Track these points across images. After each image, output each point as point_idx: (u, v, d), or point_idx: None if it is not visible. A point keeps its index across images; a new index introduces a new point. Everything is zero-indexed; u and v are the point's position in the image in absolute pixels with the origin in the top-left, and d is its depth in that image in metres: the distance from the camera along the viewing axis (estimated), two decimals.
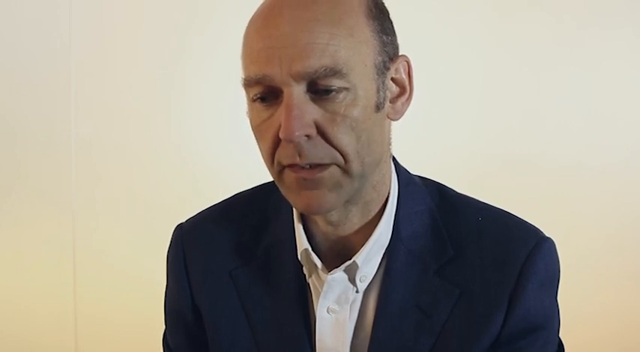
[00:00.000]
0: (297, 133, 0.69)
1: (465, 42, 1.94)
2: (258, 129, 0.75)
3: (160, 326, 0.95)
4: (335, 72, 0.69)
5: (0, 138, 2.01)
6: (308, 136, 0.70)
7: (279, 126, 0.70)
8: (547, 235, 0.82)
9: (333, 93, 0.70)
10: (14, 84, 2.00)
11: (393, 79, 0.77)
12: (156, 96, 2.00)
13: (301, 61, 0.69)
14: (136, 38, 2.00)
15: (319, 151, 0.71)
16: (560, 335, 0.85)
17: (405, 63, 0.78)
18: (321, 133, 0.71)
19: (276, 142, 0.72)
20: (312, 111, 0.70)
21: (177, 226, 0.93)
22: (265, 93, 0.72)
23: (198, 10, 1.98)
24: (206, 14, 1.97)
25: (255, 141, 0.76)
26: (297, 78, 0.69)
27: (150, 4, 2.00)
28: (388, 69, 0.75)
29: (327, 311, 0.81)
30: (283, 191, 0.77)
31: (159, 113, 2.00)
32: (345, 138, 0.71)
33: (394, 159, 0.85)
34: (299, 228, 0.82)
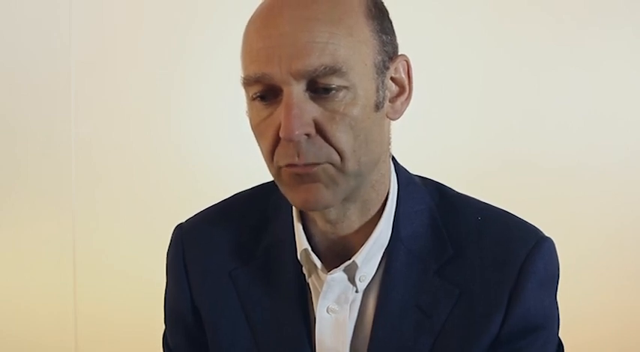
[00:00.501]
0: (297, 132, 0.69)
1: (465, 42, 1.94)
2: (257, 129, 0.75)
3: (160, 326, 0.95)
4: (334, 70, 0.69)
5: (0, 138, 2.01)
6: (308, 135, 0.71)
7: (279, 125, 0.70)
8: (547, 235, 0.82)
9: (333, 92, 0.70)
10: (14, 84, 2.00)
11: (392, 79, 0.77)
12: (156, 96, 2.00)
13: (301, 60, 0.69)
14: (136, 38, 2.00)
15: (317, 150, 0.71)
16: (560, 335, 0.85)
17: (405, 62, 0.78)
18: (320, 131, 0.71)
19: (276, 141, 0.72)
20: (311, 110, 0.70)
21: (177, 226, 0.93)
22: (265, 92, 0.72)
23: (198, 10, 1.98)
24: (206, 14, 1.97)
25: (255, 140, 0.77)
26: (297, 76, 0.69)
27: (150, 4, 2.00)
28: (388, 68, 0.76)
29: (327, 311, 0.81)
30: (282, 188, 0.77)
31: (159, 113, 2.00)
32: (342, 137, 0.71)
33: (394, 158, 0.85)
34: (298, 228, 0.82)
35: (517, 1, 1.94)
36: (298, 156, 0.71)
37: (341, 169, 0.73)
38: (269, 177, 0.81)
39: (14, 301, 2.04)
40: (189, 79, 1.99)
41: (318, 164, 0.72)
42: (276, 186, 0.80)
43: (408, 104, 0.79)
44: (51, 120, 2.01)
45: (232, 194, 0.94)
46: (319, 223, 0.81)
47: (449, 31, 1.93)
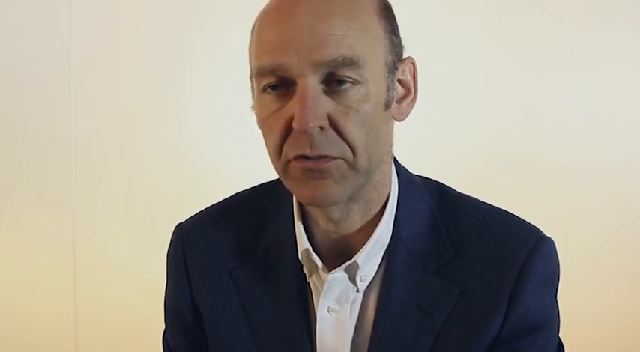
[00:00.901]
0: (311, 124, 0.69)
1: (465, 42, 1.94)
2: (266, 122, 0.74)
3: (160, 326, 0.95)
4: (352, 62, 0.70)
5: (0, 138, 2.01)
6: (321, 128, 0.71)
7: (290, 117, 0.70)
8: (547, 235, 0.82)
9: (347, 85, 0.71)
10: (14, 84, 2.00)
11: (399, 80, 0.78)
12: (156, 96, 2.00)
13: (319, 50, 0.69)
14: (136, 38, 2.00)
15: (330, 142, 0.71)
16: (560, 335, 0.85)
17: (411, 65, 0.79)
18: (334, 126, 0.71)
19: (286, 133, 0.72)
20: (325, 104, 0.71)
21: (177, 226, 0.93)
22: (277, 84, 0.72)
23: (198, 10, 1.98)
24: (206, 14, 1.97)
25: (261, 135, 0.76)
26: (316, 66, 0.69)
27: (150, 4, 2.00)
28: (397, 69, 0.76)
29: (328, 311, 0.81)
30: (288, 184, 0.77)
31: (159, 113, 2.00)
32: (356, 132, 0.72)
33: (395, 159, 0.85)
34: (299, 228, 0.82)
35: (517, 1, 1.94)
36: (310, 148, 0.71)
37: (353, 165, 0.73)
38: (269, 177, 0.81)
39: (14, 301, 2.04)
40: (189, 79, 1.99)
41: (333, 158, 0.72)
42: (276, 186, 0.80)
43: (413, 106, 0.80)
44: (51, 120, 2.01)
45: (232, 194, 0.94)
46: (321, 223, 0.81)
47: (449, 31, 1.93)
